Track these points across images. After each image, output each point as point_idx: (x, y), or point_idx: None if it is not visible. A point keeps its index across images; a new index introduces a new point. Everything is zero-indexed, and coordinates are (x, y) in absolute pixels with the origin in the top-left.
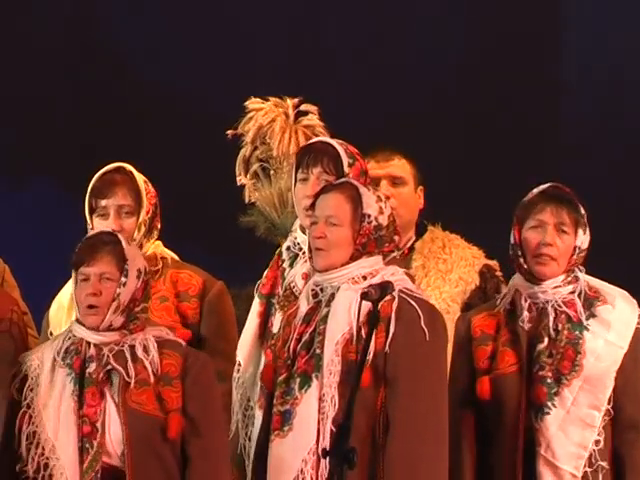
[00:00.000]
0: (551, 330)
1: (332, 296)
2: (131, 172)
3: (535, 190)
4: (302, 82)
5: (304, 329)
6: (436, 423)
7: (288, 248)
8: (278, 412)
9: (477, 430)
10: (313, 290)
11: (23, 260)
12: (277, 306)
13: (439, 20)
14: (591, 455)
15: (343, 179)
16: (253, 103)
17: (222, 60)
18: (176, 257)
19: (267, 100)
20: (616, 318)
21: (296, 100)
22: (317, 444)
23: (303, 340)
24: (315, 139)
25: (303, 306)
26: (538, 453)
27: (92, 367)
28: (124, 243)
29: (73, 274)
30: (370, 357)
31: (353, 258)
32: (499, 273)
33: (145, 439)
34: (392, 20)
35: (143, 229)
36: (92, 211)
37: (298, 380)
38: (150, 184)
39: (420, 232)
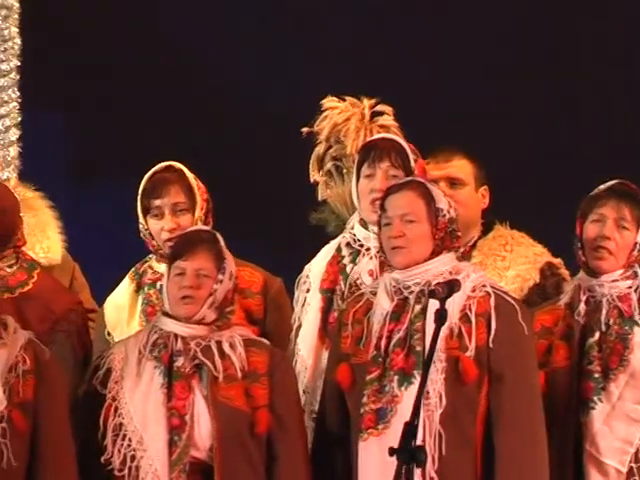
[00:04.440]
0: (602, 324)
1: (422, 292)
2: (181, 170)
3: (602, 186)
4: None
5: (394, 326)
6: (540, 415)
7: (348, 244)
8: (370, 410)
9: None
10: (395, 287)
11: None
12: (340, 302)
13: None
14: (637, 450)
15: (407, 178)
16: (329, 102)
17: (290, 58)
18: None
19: (344, 100)
20: None
21: (372, 101)
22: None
23: (396, 337)
24: (377, 136)
25: (385, 304)
26: (584, 448)
27: (180, 361)
28: (222, 242)
29: (167, 268)
30: (472, 353)
31: (434, 253)
32: (563, 271)
33: (233, 434)
34: None
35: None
36: (146, 212)
37: (396, 378)
38: (199, 180)
39: (488, 230)
